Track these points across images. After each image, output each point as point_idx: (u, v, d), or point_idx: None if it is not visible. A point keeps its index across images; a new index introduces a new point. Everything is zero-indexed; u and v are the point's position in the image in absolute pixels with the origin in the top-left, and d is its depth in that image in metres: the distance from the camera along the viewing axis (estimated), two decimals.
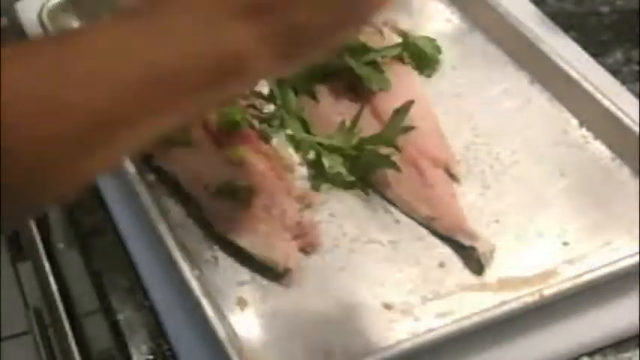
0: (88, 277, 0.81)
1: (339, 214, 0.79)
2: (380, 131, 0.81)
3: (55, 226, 0.98)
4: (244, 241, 0.74)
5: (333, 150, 0.82)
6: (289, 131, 0.86)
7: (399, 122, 0.80)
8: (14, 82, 0.49)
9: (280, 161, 0.81)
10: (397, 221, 0.79)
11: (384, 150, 0.80)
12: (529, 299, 0.70)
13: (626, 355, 0.72)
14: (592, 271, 0.72)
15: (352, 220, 0.79)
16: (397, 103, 0.82)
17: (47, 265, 0.94)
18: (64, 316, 0.91)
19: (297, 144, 0.85)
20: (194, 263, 0.74)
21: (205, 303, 0.69)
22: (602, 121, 0.84)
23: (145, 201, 0.76)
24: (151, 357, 0.72)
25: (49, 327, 1.05)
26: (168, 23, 0.55)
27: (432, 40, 0.93)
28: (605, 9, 1.02)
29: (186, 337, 0.71)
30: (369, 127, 0.83)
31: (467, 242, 0.76)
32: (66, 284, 0.96)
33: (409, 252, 0.76)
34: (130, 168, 0.79)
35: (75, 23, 0.96)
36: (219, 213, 0.76)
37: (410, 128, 0.80)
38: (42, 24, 0.94)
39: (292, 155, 0.84)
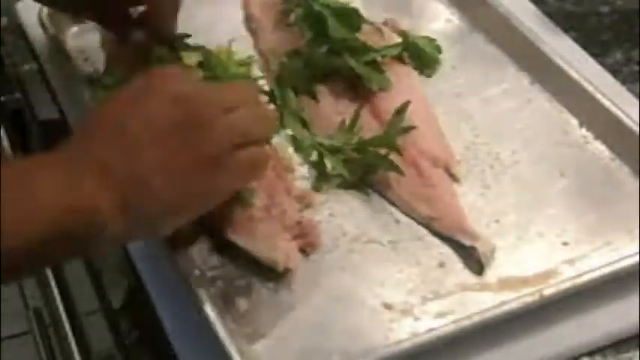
0: (88, 277, 0.81)
1: (339, 214, 0.79)
2: (381, 133, 0.81)
3: None
4: (244, 241, 0.74)
5: (333, 151, 0.82)
6: (289, 131, 0.86)
7: (398, 123, 0.81)
8: None
9: (280, 161, 0.81)
10: (397, 221, 0.79)
11: (384, 150, 0.80)
12: (529, 299, 0.70)
13: (626, 355, 0.72)
14: (592, 271, 0.72)
15: (352, 220, 0.79)
16: (397, 103, 0.82)
17: None
18: (64, 316, 0.92)
19: (297, 144, 0.85)
20: (194, 263, 0.74)
21: (206, 303, 0.69)
22: (602, 121, 0.84)
23: None
24: (151, 357, 0.72)
25: (49, 327, 1.05)
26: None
27: (432, 40, 0.93)
28: (605, 9, 1.02)
29: (187, 337, 0.71)
30: (369, 127, 0.83)
31: (467, 242, 0.75)
32: (66, 284, 0.96)
33: (409, 252, 0.76)
34: None
35: (74, 24, 0.96)
36: (220, 213, 0.76)
37: (410, 128, 0.80)
38: (42, 24, 0.94)
39: (292, 155, 0.84)
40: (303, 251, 0.76)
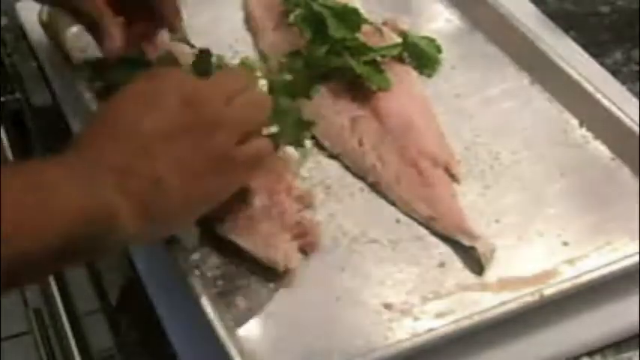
0: (88, 277, 0.81)
1: (339, 214, 0.79)
2: (381, 133, 0.81)
3: None
4: (244, 241, 0.74)
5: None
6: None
7: None
8: None
9: (280, 161, 0.81)
10: (397, 221, 0.79)
11: None
12: (529, 299, 0.70)
13: (626, 355, 0.72)
14: (592, 271, 0.72)
15: (352, 220, 0.79)
16: (397, 103, 0.82)
17: None
18: (64, 316, 0.92)
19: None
20: (194, 262, 0.74)
21: (206, 303, 0.69)
22: (602, 121, 0.84)
23: None
24: (151, 357, 0.72)
25: (49, 327, 1.05)
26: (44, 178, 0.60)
27: (432, 40, 0.93)
28: (605, 9, 1.02)
29: (187, 337, 0.71)
30: (369, 127, 0.83)
31: (467, 242, 0.75)
32: (66, 284, 0.96)
33: (409, 252, 0.76)
34: None
35: (74, 24, 0.96)
36: (220, 213, 0.76)
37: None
38: (42, 24, 0.94)
39: (292, 155, 0.84)
40: (303, 251, 0.76)
